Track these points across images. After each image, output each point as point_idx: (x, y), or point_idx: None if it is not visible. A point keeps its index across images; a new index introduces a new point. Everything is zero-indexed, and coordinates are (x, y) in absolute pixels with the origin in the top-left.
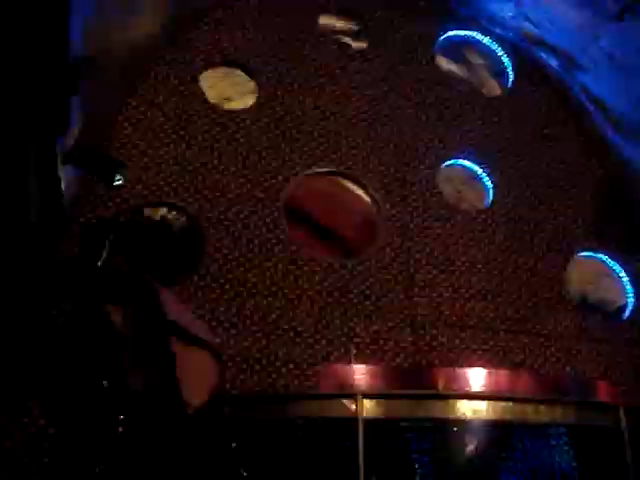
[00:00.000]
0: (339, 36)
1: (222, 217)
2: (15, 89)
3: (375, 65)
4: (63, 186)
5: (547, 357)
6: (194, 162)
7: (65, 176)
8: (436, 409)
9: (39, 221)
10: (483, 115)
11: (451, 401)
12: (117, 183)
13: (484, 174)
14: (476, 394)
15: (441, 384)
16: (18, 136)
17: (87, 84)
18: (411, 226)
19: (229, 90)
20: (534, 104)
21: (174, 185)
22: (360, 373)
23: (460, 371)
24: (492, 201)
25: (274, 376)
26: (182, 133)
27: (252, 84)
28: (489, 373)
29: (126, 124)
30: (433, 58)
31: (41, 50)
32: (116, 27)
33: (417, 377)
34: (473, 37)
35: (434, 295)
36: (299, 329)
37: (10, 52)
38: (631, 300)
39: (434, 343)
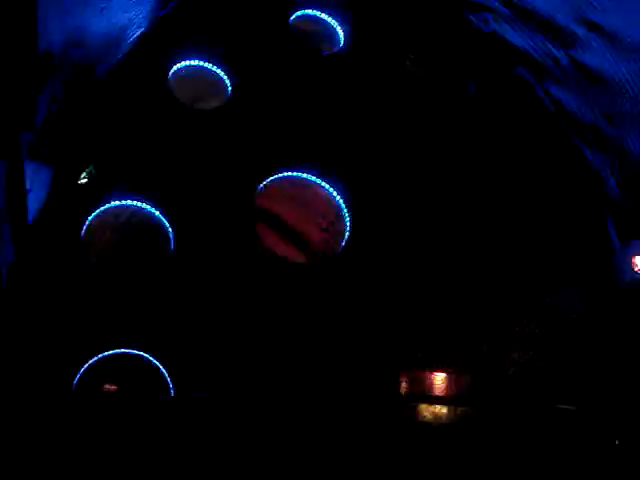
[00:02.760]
0: (311, 39)
1: (192, 217)
2: None
3: (348, 66)
4: (28, 182)
5: None
6: (164, 162)
7: (31, 172)
8: None
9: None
10: (449, 118)
11: None
12: (83, 181)
13: None
14: None
15: None
16: None
17: (55, 80)
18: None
19: (200, 90)
20: (500, 110)
21: (143, 184)
22: None
23: None
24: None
25: None
26: (152, 133)
27: (224, 84)
28: None
29: (95, 121)
30: (406, 62)
31: (8, 45)
32: (87, 23)
33: None
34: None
35: None
36: None
37: None
38: None
39: None
